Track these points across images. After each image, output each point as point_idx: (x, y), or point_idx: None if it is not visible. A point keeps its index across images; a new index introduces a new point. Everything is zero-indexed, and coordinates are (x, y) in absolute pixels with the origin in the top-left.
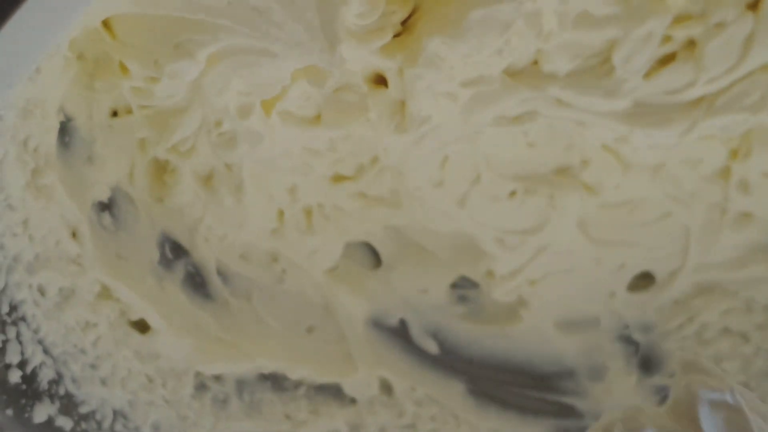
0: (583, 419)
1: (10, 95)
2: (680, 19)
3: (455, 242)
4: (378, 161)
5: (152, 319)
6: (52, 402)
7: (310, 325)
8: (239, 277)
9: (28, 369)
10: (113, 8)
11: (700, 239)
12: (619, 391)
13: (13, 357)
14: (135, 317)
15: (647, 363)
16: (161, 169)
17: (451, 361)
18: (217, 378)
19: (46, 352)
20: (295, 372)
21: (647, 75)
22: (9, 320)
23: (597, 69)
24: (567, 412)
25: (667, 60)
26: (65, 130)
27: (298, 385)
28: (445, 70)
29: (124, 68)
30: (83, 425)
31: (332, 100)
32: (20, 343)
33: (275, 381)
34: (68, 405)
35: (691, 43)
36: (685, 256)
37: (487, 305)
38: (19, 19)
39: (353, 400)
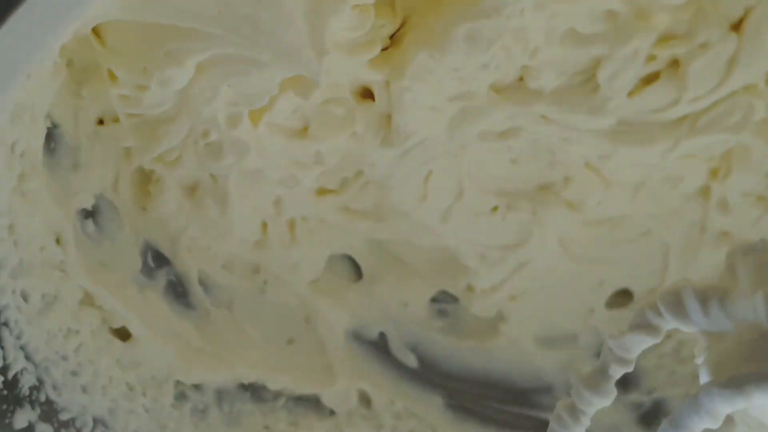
0: None
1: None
2: (665, 38)
3: (436, 257)
4: (362, 175)
5: (134, 327)
6: (33, 408)
7: (291, 336)
8: (221, 287)
9: (10, 375)
10: (104, 15)
11: (679, 257)
12: (601, 419)
13: None
14: (117, 325)
15: (625, 380)
16: (146, 179)
17: (430, 374)
18: (197, 387)
19: (27, 358)
20: (275, 383)
21: (631, 93)
22: None
23: (582, 86)
24: (545, 427)
25: (651, 79)
26: (51, 137)
27: (277, 396)
28: (432, 84)
29: (112, 76)
30: None
31: (319, 112)
32: (2, 348)
33: (255, 392)
34: (49, 412)
35: (674, 63)
36: (663, 273)
37: (466, 320)
38: (10, 26)
39: (332, 412)
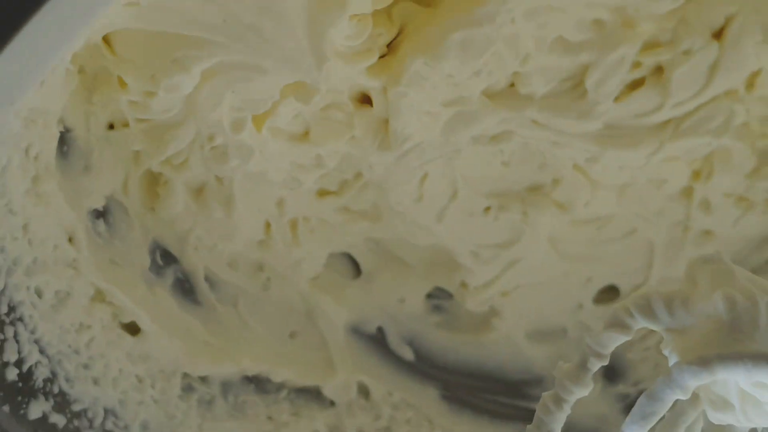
0: None
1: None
2: (649, 46)
3: (431, 255)
4: (361, 177)
5: (143, 323)
6: (47, 399)
7: (293, 330)
8: (226, 284)
9: (25, 367)
10: (114, 24)
11: (663, 255)
12: (586, 402)
13: (10, 355)
14: (127, 320)
15: (611, 372)
16: (154, 181)
17: (426, 367)
18: (204, 379)
19: (41, 351)
20: (277, 375)
21: (617, 98)
22: (7, 320)
23: (570, 92)
24: None
25: (636, 85)
26: (64, 140)
27: (280, 387)
28: (428, 90)
29: (122, 83)
30: (75, 423)
31: (320, 117)
32: (17, 342)
33: (259, 383)
34: (62, 403)
35: (659, 69)
36: (648, 271)
37: (461, 315)
38: (25, 35)
39: (333, 403)
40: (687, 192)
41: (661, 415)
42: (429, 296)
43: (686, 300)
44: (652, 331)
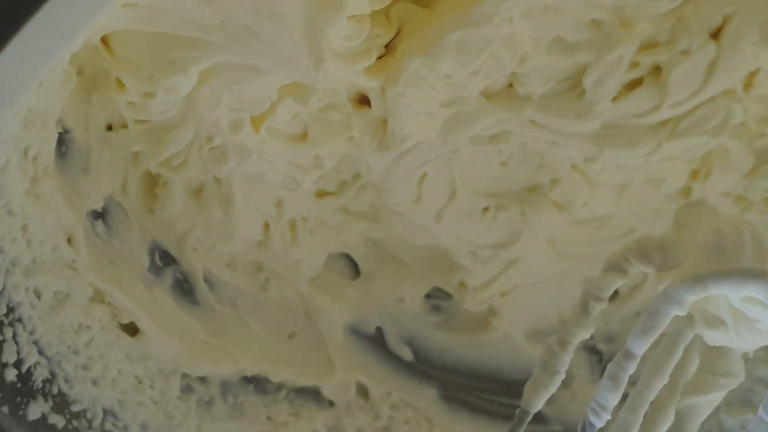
0: (549, 425)
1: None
2: (647, 45)
3: (430, 255)
4: (360, 178)
5: (142, 323)
6: (46, 400)
7: (292, 331)
8: (225, 285)
9: (24, 368)
10: (113, 25)
11: None
12: (584, 397)
13: (9, 356)
14: (126, 320)
15: None
16: (153, 182)
17: (424, 367)
18: (203, 380)
19: (40, 352)
20: (277, 375)
21: (615, 98)
22: (6, 321)
23: (568, 92)
24: (534, 417)
25: (634, 85)
26: (63, 141)
27: (279, 388)
28: (426, 90)
29: (120, 84)
30: (75, 423)
31: (318, 118)
32: (16, 343)
33: (258, 384)
34: (61, 403)
35: (656, 69)
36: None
37: (459, 315)
38: (23, 36)
39: (332, 403)
40: (685, 191)
41: (661, 329)
42: (428, 296)
43: (677, 240)
44: None
